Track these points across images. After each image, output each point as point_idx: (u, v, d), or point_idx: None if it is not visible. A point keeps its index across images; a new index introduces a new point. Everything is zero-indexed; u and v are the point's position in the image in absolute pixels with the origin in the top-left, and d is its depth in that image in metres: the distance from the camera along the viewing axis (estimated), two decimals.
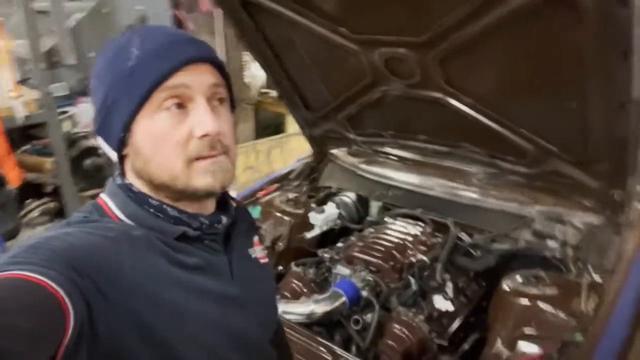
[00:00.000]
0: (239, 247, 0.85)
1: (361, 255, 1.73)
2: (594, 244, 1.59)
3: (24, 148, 2.84)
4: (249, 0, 1.62)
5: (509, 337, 1.37)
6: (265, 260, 0.93)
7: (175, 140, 0.70)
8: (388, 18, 1.42)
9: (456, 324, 1.61)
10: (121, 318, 0.63)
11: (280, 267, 1.96)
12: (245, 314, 0.81)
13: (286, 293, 1.73)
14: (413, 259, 1.72)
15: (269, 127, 5.33)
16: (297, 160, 2.50)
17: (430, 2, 1.29)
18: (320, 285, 1.78)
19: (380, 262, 1.68)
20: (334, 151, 2.39)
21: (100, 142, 0.76)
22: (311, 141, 2.37)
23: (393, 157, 2.22)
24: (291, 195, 2.20)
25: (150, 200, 0.74)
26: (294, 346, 1.40)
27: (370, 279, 1.61)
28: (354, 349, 1.54)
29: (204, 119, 0.70)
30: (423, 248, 1.80)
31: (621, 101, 1.22)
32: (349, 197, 2.26)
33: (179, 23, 3.81)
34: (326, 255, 1.83)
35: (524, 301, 1.40)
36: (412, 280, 1.64)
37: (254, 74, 4.74)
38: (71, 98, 2.67)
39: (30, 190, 2.87)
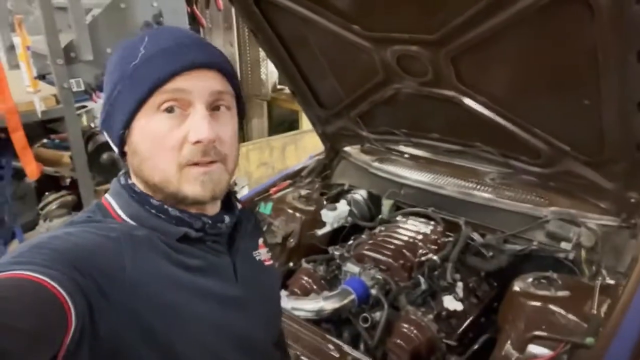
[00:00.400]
0: (244, 248, 0.85)
1: (371, 254, 1.73)
2: (609, 246, 1.57)
3: (42, 142, 2.91)
4: None
5: (519, 339, 1.35)
6: (270, 262, 0.92)
7: (170, 143, 0.70)
8: (400, 16, 1.41)
9: (465, 324, 1.61)
10: (123, 318, 0.63)
11: (291, 264, 1.97)
12: (249, 316, 0.80)
13: (296, 289, 1.74)
14: (423, 258, 1.71)
15: (283, 124, 5.35)
16: (309, 157, 2.51)
17: (443, 0, 1.28)
18: (330, 282, 1.78)
19: (390, 260, 1.68)
20: (347, 149, 2.39)
21: (105, 136, 0.78)
22: (324, 138, 2.37)
23: (405, 156, 2.21)
24: (303, 192, 2.21)
25: (151, 200, 0.74)
26: (302, 342, 1.41)
27: (380, 277, 1.61)
28: (362, 346, 1.55)
29: (198, 125, 0.69)
30: (434, 247, 1.79)
31: (637, 101, 1.20)
32: (361, 194, 2.26)
33: (194, 19, 3.83)
34: (336, 253, 1.83)
35: (535, 303, 1.38)
36: (422, 280, 1.63)
37: (270, 70, 4.76)
38: (88, 93, 2.71)
39: (49, 183, 2.93)
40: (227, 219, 0.80)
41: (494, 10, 1.19)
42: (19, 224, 2.76)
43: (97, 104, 2.77)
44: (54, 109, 2.55)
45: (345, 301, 1.53)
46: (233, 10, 4.11)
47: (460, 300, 1.62)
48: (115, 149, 0.76)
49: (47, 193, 2.81)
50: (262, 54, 4.57)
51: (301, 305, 1.55)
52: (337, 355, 1.38)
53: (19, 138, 2.41)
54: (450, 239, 1.86)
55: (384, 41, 1.54)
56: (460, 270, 1.73)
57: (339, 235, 2.12)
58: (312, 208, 2.10)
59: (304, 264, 1.85)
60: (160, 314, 0.67)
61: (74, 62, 2.58)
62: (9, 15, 2.99)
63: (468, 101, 1.59)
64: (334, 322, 1.61)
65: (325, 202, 2.19)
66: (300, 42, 1.82)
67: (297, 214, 2.06)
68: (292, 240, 2.02)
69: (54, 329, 0.54)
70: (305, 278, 1.76)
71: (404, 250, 1.73)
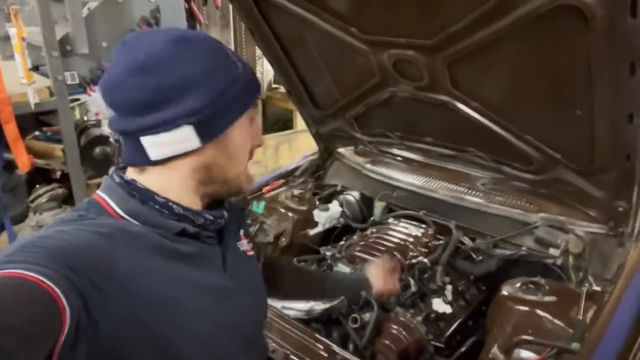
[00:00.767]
0: (231, 240, 0.89)
1: (362, 255, 1.74)
2: (596, 254, 1.59)
3: (34, 134, 2.88)
4: None
5: (505, 343, 1.37)
6: (251, 253, 0.96)
7: (249, 146, 0.85)
8: (398, 20, 1.42)
9: (454, 327, 1.62)
10: (119, 313, 0.64)
11: None
12: (238, 304, 0.84)
13: None
14: (414, 261, 1.72)
15: (277, 123, 5.35)
16: (303, 157, 2.51)
17: (441, 6, 1.29)
18: None
19: None
20: (341, 150, 2.40)
21: (185, 131, 0.74)
22: (318, 139, 2.38)
23: (399, 158, 2.22)
24: (296, 192, 2.21)
25: (156, 197, 0.76)
26: (291, 341, 1.42)
27: None
28: (351, 347, 1.55)
29: (260, 133, 0.88)
30: (424, 250, 1.81)
31: (629, 113, 1.22)
32: (353, 196, 2.27)
33: (192, 15, 3.81)
34: (328, 253, 1.84)
35: (523, 307, 1.39)
36: (412, 282, 1.64)
37: (265, 69, 4.76)
38: (82, 87, 2.68)
39: (40, 176, 2.91)
40: (225, 214, 0.84)
41: (491, 18, 1.21)
42: (9, 216, 2.73)
43: (91, 97, 2.75)
44: (47, 102, 2.53)
45: (336, 302, 1.53)
46: (231, 7, 4.11)
47: (449, 303, 1.64)
48: (198, 142, 0.75)
49: (37, 186, 2.78)
50: (258, 52, 4.58)
51: (291, 305, 1.55)
52: (326, 355, 1.39)
53: (11, 129, 2.39)
54: (441, 242, 1.87)
55: (381, 44, 1.55)
56: (449, 274, 1.75)
57: (331, 235, 2.13)
58: (304, 208, 2.10)
59: (295, 264, 1.85)
60: (155, 308, 0.68)
61: (70, 54, 2.56)
62: (5, 5, 2.96)
63: (462, 107, 1.60)
64: (323, 322, 1.61)
65: (317, 203, 2.19)
66: (297, 42, 1.83)
67: (290, 214, 2.06)
68: (284, 239, 2.02)
69: (49, 327, 0.54)
70: None
71: (395, 252, 1.74)
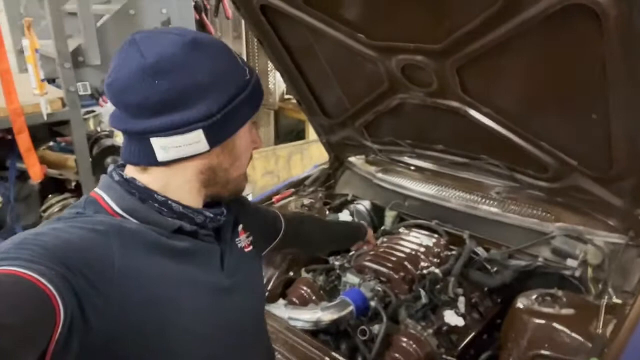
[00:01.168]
0: (229, 237, 0.89)
1: (372, 265, 1.70)
2: (616, 265, 1.53)
3: (48, 145, 2.93)
4: (268, 5, 1.62)
5: (521, 358, 1.32)
6: (250, 248, 0.95)
7: (251, 148, 0.86)
8: (406, 25, 1.39)
9: (467, 341, 1.56)
10: (114, 312, 0.63)
11: (291, 273, 1.94)
12: (236, 301, 0.84)
13: (294, 299, 1.71)
14: (425, 271, 1.68)
15: (290, 134, 5.35)
16: (314, 167, 2.50)
17: (449, 10, 1.26)
18: (329, 293, 1.75)
19: (391, 272, 1.65)
20: (352, 159, 2.38)
21: (196, 134, 0.74)
22: (328, 148, 2.36)
23: (411, 167, 2.19)
24: (306, 201, 2.18)
25: (155, 195, 0.76)
26: (298, 354, 1.38)
27: (380, 289, 1.58)
28: None
29: (258, 135, 0.88)
30: (436, 260, 1.76)
31: None
32: (364, 205, 2.24)
33: (204, 28, 3.85)
34: (337, 263, 1.80)
35: (539, 321, 1.34)
36: (423, 293, 1.60)
37: (278, 80, 4.77)
38: (95, 98, 2.72)
39: (54, 186, 2.94)
40: (224, 211, 0.86)
41: (499, 20, 1.18)
42: (21, 225, 2.77)
43: (104, 109, 2.78)
44: (60, 112, 2.57)
45: (344, 313, 1.49)
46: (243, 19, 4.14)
47: (462, 315, 1.59)
48: (207, 146, 0.75)
49: (50, 196, 2.82)
50: (270, 64, 4.59)
51: (299, 316, 1.52)
52: None
53: (24, 140, 2.42)
54: (454, 252, 1.83)
55: (389, 51, 1.52)
56: (462, 285, 1.70)
57: None
58: None
59: (304, 274, 1.82)
60: (151, 306, 0.68)
61: (82, 66, 2.60)
62: (20, 20, 3.03)
63: (474, 113, 1.57)
64: (332, 334, 1.57)
65: (328, 212, 2.17)
66: (305, 51, 1.81)
67: None
68: None
69: (43, 326, 0.54)
70: (305, 288, 1.74)
71: (406, 263, 1.70)
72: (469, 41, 1.29)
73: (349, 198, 2.29)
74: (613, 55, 1.08)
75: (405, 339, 1.45)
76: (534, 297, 1.43)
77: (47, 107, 2.47)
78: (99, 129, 3.21)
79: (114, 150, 2.88)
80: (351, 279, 1.67)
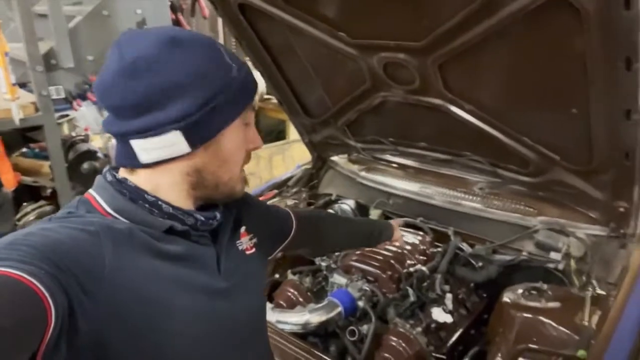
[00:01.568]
0: (227, 240, 0.86)
1: (359, 264, 1.69)
2: (599, 256, 1.55)
3: (21, 151, 2.83)
4: (246, 3, 1.60)
5: (509, 352, 1.32)
6: (252, 250, 0.93)
7: (243, 150, 0.82)
8: (387, 23, 1.39)
9: (455, 337, 1.57)
10: (105, 313, 0.63)
11: (277, 275, 1.92)
12: (233, 305, 0.82)
13: (281, 302, 1.69)
14: (412, 269, 1.68)
15: (270, 134, 5.31)
16: (297, 167, 2.48)
17: (430, 7, 1.26)
18: (316, 294, 1.74)
19: (378, 271, 1.64)
20: (334, 158, 2.37)
21: (174, 135, 0.72)
22: (311, 147, 2.34)
23: (393, 165, 2.19)
24: (290, 202, 2.17)
25: (146, 196, 0.74)
26: (287, 357, 1.36)
27: (367, 288, 1.58)
28: None
29: (257, 136, 0.85)
30: (422, 258, 1.77)
31: (626, 109, 1.18)
32: (348, 204, 2.23)
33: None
34: (323, 264, 1.79)
35: (525, 314, 1.35)
36: (410, 291, 1.60)
37: (257, 79, 4.73)
38: (68, 101, 2.64)
39: (28, 193, 2.85)
40: (218, 215, 0.83)
41: (480, 17, 1.18)
42: None
43: (78, 112, 2.71)
44: (32, 117, 2.49)
45: (332, 314, 1.48)
46: (220, 19, 4.09)
47: (450, 312, 1.59)
48: (184, 147, 0.73)
49: (25, 203, 2.73)
50: (249, 63, 4.55)
51: (286, 318, 1.50)
52: None
53: None
54: (439, 249, 1.83)
55: (370, 48, 1.51)
56: (449, 282, 1.71)
57: None
58: None
59: (290, 276, 1.80)
60: (142, 307, 0.67)
61: (55, 69, 2.52)
62: None
63: (456, 109, 1.57)
64: (320, 335, 1.56)
65: None
66: (285, 50, 1.79)
67: None
68: None
69: (34, 326, 0.53)
70: (291, 290, 1.72)
71: (392, 261, 1.69)
72: (450, 38, 1.29)
73: (333, 197, 2.28)
74: (592, 49, 1.09)
75: (394, 338, 1.45)
76: (520, 291, 1.44)
77: (19, 112, 2.39)
78: (73, 134, 3.12)
79: (90, 155, 2.80)
80: (338, 279, 1.66)
